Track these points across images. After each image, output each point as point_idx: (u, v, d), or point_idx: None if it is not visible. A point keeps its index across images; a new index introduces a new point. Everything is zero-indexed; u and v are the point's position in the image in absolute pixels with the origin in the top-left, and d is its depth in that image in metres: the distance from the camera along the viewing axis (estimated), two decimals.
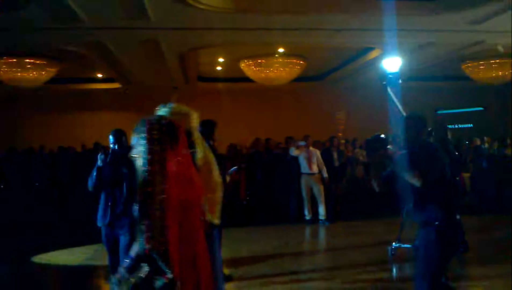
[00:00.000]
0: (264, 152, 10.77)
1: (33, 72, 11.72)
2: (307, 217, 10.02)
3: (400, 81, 5.16)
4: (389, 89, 4.46)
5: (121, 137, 4.71)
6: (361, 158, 11.59)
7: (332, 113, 17.54)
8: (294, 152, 10.09)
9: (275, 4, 8.14)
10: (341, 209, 11.18)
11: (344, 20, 8.79)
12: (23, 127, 15.87)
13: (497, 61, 12.25)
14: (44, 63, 11.70)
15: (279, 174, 10.62)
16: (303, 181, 10.05)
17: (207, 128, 5.56)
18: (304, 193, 10.05)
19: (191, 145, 2.95)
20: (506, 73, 12.68)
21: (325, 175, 10.07)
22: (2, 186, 10.68)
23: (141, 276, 2.28)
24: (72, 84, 15.37)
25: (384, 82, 4.53)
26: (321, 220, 9.90)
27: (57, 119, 16.25)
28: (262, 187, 10.58)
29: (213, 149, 5.10)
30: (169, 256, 2.26)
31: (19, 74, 11.64)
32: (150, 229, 2.23)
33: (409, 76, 14.46)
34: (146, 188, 2.27)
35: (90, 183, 4.59)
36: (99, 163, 4.48)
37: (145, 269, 2.27)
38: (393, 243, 6.93)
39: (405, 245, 7.01)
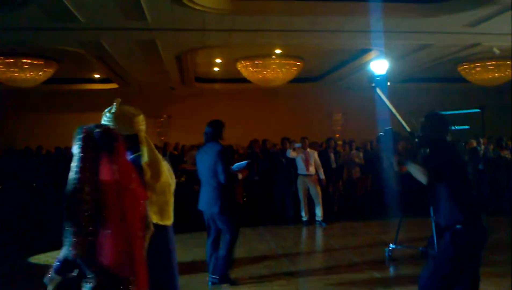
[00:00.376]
0: (260, 153, 10.78)
1: (30, 72, 11.70)
2: (304, 218, 10.03)
3: (388, 83, 5.16)
4: (378, 90, 4.45)
5: None
6: (357, 159, 11.62)
7: (329, 114, 17.63)
8: (291, 154, 10.10)
9: (271, 5, 8.15)
10: (338, 210, 11.23)
11: (340, 22, 8.81)
12: (20, 128, 15.88)
13: (493, 62, 12.28)
14: (41, 64, 11.68)
15: (276, 175, 10.63)
16: (300, 182, 10.07)
17: (215, 129, 5.64)
18: (301, 194, 10.06)
19: (136, 148, 2.97)
20: (503, 74, 12.72)
21: (322, 176, 10.09)
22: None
23: (68, 278, 2.37)
24: (69, 84, 15.38)
25: (373, 84, 4.53)
26: (318, 221, 9.92)
27: (55, 120, 16.23)
28: (259, 188, 10.58)
29: None
30: (94, 263, 2.33)
31: (16, 74, 11.61)
32: (76, 235, 2.29)
33: (405, 78, 14.55)
34: (74, 195, 2.33)
35: None
36: None
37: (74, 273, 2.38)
38: (390, 245, 6.96)
39: (402, 247, 7.06)
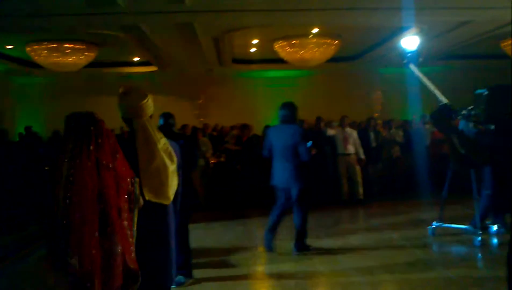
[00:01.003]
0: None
1: (72, 57, 12.00)
2: (343, 198, 10.01)
3: (420, 60, 5.03)
4: (411, 66, 4.29)
5: (168, 119, 4.98)
6: (397, 138, 11.45)
7: (368, 94, 17.38)
8: (329, 132, 10.05)
9: None
10: (378, 190, 11.14)
11: None
12: (64, 111, 16.27)
13: None
14: (83, 48, 11.96)
15: (315, 155, 10.59)
16: (339, 161, 10.02)
17: (293, 111, 6.29)
18: (340, 174, 10.03)
19: (132, 132, 3.23)
20: None
21: (362, 156, 10.03)
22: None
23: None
24: (109, 67, 15.67)
25: (405, 61, 4.38)
26: (358, 200, 9.88)
27: (96, 103, 16.57)
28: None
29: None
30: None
31: (59, 59, 11.94)
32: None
33: (447, 55, 14.18)
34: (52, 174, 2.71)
35: None
36: None
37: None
38: (434, 222, 6.91)
39: (446, 225, 6.98)
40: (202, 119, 15.81)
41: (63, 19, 9.50)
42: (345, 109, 12.98)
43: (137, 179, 2.91)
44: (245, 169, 10.19)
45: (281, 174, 6.18)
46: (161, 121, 5.16)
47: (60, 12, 8.97)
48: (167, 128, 4.97)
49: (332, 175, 10.23)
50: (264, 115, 15.41)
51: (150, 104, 3.26)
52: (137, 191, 2.91)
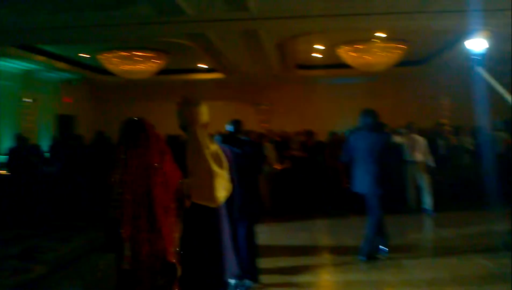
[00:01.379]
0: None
1: (143, 64, 12.47)
2: (411, 207, 9.74)
3: (485, 62, 4.82)
4: (479, 69, 4.15)
5: (236, 126, 5.05)
6: (467, 145, 11.02)
7: (437, 99, 16.84)
8: (396, 139, 9.83)
9: None
10: (447, 199, 10.73)
11: (449, 1, 8.39)
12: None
13: None
14: (152, 56, 12.40)
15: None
16: (407, 169, 9.76)
17: (375, 118, 6.29)
18: (408, 182, 9.77)
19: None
20: None
21: (431, 163, 9.71)
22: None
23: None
24: (176, 74, 16.12)
25: (471, 63, 4.23)
26: (427, 209, 9.58)
27: (164, 108, 17.09)
28: None
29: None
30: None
31: (130, 66, 12.45)
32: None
33: None
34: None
35: None
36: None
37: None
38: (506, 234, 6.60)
39: None
40: (266, 125, 15.92)
41: (134, 29, 9.89)
42: (412, 115, 12.66)
43: (185, 181, 3.15)
44: (310, 176, 10.15)
45: (362, 180, 6.19)
46: (229, 128, 5.25)
47: (130, 22, 9.35)
48: (234, 135, 5.06)
49: (399, 182, 9.97)
50: (328, 121, 15.32)
51: (201, 113, 3.45)
52: (185, 192, 3.15)
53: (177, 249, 3.07)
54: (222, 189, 3.40)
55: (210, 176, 3.31)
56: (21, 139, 10.61)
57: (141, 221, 2.92)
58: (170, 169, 3.08)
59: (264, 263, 5.49)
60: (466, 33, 11.37)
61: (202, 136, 3.39)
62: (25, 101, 13.96)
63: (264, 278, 5.27)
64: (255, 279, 5.13)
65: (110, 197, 2.98)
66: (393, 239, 7.35)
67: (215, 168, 3.34)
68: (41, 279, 5.67)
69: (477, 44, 5.12)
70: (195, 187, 3.21)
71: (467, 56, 10.74)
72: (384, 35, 11.43)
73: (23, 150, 10.34)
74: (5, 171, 9.98)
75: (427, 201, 9.60)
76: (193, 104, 3.46)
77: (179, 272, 3.03)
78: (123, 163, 2.99)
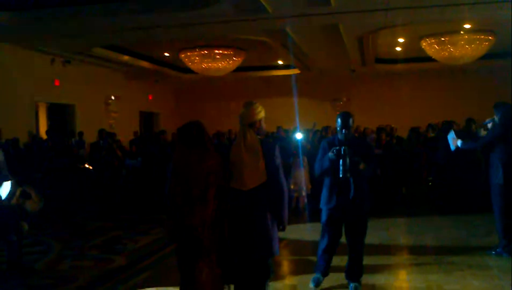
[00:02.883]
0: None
1: (221, 62, 12.72)
2: None
3: None
4: None
5: (348, 120, 4.72)
6: None
7: None
8: (481, 133, 9.37)
9: None
10: None
11: None
12: (213, 113, 17.33)
13: None
14: (231, 53, 12.61)
15: (463, 158, 9.91)
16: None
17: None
18: None
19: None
20: None
21: None
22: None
23: None
24: (255, 71, 16.30)
25: None
26: None
27: (239, 106, 17.38)
28: (445, 172, 9.98)
29: None
30: None
31: (210, 64, 12.74)
32: None
33: None
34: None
35: (318, 169, 4.84)
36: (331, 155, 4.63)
37: None
38: None
39: None
40: None
41: (215, 27, 10.10)
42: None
43: (230, 170, 3.84)
44: (384, 173, 9.88)
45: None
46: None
47: (211, 21, 9.55)
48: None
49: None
50: (409, 116, 14.93)
51: (247, 115, 3.95)
52: (228, 178, 3.83)
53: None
54: (253, 176, 3.87)
55: (241, 166, 3.86)
56: (102, 134, 11.23)
57: (202, 202, 3.63)
58: (218, 162, 3.76)
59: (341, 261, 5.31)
60: None
61: (243, 133, 3.93)
62: (110, 99, 14.68)
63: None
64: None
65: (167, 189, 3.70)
66: (477, 239, 7.04)
67: (247, 159, 3.85)
68: (121, 270, 5.95)
69: None
70: (234, 175, 3.85)
71: None
72: (470, 26, 10.94)
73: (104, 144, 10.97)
74: (91, 167, 10.54)
75: None
76: (243, 107, 4.00)
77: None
78: (183, 157, 3.71)
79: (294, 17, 9.39)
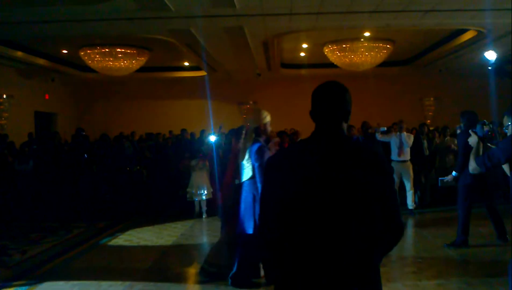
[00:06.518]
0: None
1: (124, 61, 12.21)
2: None
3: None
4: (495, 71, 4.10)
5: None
6: (452, 146, 10.98)
7: (420, 99, 16.89)
8: (379, 136, 9.74)
9: None
10: (430, 198, 10.71)
11: (436, 0, 8.32)
12: (115, 114, 16.73)
13: None
14: (134, 53, 12.15)
15: None
16: (393, 168, 9.63)
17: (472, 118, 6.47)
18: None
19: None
20: None
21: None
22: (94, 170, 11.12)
23: None
24: (160, 72, 15.91)
25: (489, 68, 4.19)
26: (409, 210, 9.52)
27: (146, 106, 16.91)
28: None
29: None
30: None
31: (111, 63, 12.17)
32: None
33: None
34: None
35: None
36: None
37: None
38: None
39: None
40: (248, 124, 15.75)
41: (115, 24, 9.65)
42: (396, 115, 12.62)
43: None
44: None
45: None
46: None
47: (112, 17, 9.11)
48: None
49: None
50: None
51: (254, 119, 4.83)
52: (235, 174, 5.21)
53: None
54: (242, 172, 4.90)
55: (234, 164, 5.02)
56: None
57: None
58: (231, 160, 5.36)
59: None
60: (453, 33, 11.39)
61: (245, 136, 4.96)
62: (1, 98, 13.59)
63: None
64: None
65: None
66: None
67: (239, 159, 4.89)
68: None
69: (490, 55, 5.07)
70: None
71: (463, 57, 10.62)
72: (369, 34, 11.35)
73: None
74: None
75: (409, 200, 9.56)
76: (251, 112, 4.33)
77: None
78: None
79: (198, 18, 9.19)
